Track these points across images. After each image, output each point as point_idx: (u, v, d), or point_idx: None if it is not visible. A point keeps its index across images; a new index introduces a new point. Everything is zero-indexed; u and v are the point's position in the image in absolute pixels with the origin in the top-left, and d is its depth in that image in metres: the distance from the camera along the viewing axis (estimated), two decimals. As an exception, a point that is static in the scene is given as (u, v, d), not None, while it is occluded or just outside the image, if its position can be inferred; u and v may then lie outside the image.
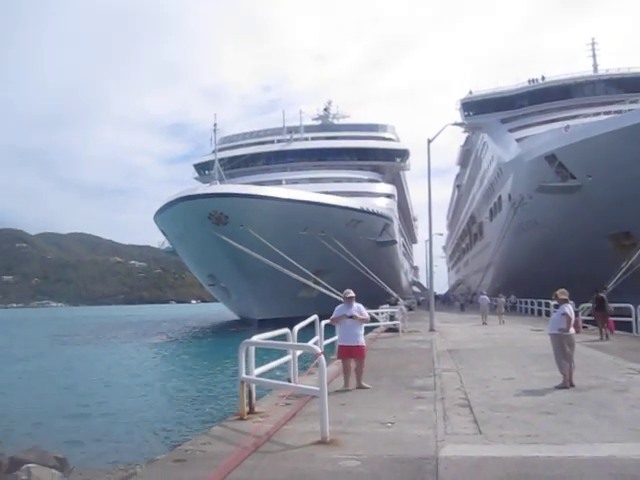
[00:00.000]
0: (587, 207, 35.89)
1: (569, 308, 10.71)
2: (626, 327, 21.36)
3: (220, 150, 59.11)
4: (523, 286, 44.14)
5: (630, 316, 20.92)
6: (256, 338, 9.18)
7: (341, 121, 79.64)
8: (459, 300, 60.03)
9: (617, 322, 21.70)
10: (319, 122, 78.98)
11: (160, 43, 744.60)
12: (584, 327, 20.95)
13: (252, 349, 8.80)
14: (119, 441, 13.28)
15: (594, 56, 61.47)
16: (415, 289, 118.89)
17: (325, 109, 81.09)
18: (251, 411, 8.75)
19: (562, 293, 10.98)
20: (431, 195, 28.71)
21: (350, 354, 10.85)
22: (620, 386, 10.23)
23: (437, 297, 77.65)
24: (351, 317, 10.85)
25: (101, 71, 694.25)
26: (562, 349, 10.52)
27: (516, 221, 46.61)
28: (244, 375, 8.55)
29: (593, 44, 62.17)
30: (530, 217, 43.61)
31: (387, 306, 32.44)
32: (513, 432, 7.17)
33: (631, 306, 21.01)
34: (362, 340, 11.03)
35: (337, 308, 11.32)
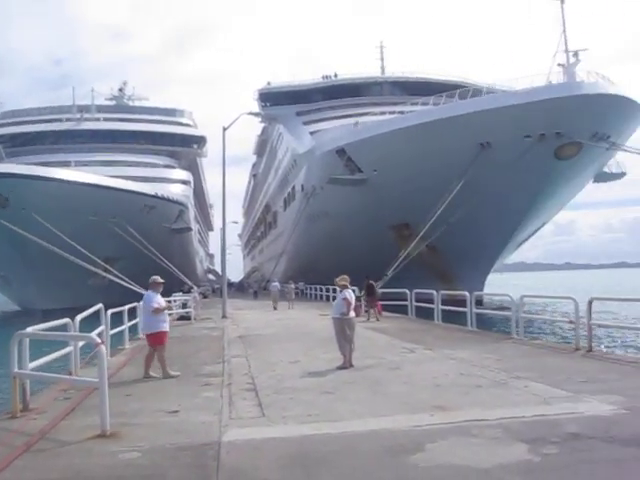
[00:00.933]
0: (372, 199, 38.37)
1: (349, 293, 11.34)
2: (403, 310, 23.15)
3: (0, 126, 53.93)
4: (314, 273, 45.92)
5: (407, 300, 22.73)
6: (32, 329, 8.53)
7: (137, 103, 76.68)
8: (252, 287, 60.95)
9: (396, 305, 23.74)
10: (113, 103, 75.29)
11: None
12: (366, 311, 22.40)
13: (26, 341, 8.16)
14: None
15: (382, 59, 65.71)
16: (211, 277, 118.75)
17: (120, 90, 77.44)
18: (25, 408, 8.10)
19: (342, 279, 11.62)
20: (225, 183, 28.74)
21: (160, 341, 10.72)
22: (394, 364, 11.07)
23: (232, 284, 78.42)
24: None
25: None
26: (343, 332, 11.14)
27: (308, 211, 48.36)
28: (16, 370, 7.89)
29: (382, 47, 66.41)
30: (321, 207, 45.50)
31: (180, 294, 32.01)
32: (295, 413, 7.42)
33: (407, 291, 22.86)
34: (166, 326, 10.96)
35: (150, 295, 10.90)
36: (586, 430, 6.18)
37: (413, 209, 34.05)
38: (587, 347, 11.90)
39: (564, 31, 30.74)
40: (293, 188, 57.12)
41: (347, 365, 10.87)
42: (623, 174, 42.90)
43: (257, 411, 7.65)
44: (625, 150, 32.76)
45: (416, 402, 7.74)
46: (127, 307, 16.13)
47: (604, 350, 13.83)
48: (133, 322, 16.86)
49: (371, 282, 22.58)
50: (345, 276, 11.70)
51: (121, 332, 15.40)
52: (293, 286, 36.22)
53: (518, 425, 6.47)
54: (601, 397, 7.63)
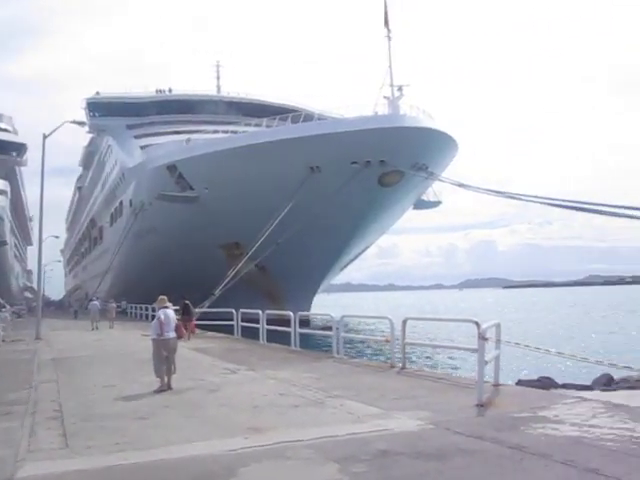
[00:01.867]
0: (203, 217, 37.85)
1: (165, 313, 10.96)
2: (230, 330, 22.93)
3: None
4: (141, 291, 44.27)
5: (233, 320, 22.57)
6: None
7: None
8: (73, 306, 57.49)
9: (223, 325, 23.58)
10: None
11: None
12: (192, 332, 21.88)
13: None
14: None
15: (218, 77, 65.48)
16: (28, 295, 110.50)
17: None
18: None
19: (161, 300, 11.31)
20: (43, 194, 26.91)
21: None
22: (214, 386, 10.86)
23: (52, 303, 73.53)
24: None
25: None
26: (159, 353, 10.74)
27: (136, 227, 46.64)
28: None
29: (218, 67, 66.23)
30: (149, 224, 44.06)
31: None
32: (102, 442, 6.95)
33: (233, 310, 22.71)
34: None
35: None
36: (394, 446, 6.40)
37: (244, 228, 34.05)
38: (401, 365, 12.47)
39: (390, 66, 32.52)
40: (121, 203, 54.82)
41: (165, 388, 10.47)
42: (439, 202, 46.42)
43: (60, 441, 7.09)
44: (441, 180, 35.18)
45: (232, 425, 7.60)
46: None
47: (415, 368, 14.56)
48: None
49: (186, 302, 22.49)
50: (164, 296, 11.39)
51: None
52: (114, 305, 34.79)
53: (331, 444, 6.55)
54: (410, 413, 7.97)
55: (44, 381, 12.24)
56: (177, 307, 17.18)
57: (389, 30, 32.80)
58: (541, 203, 21.17)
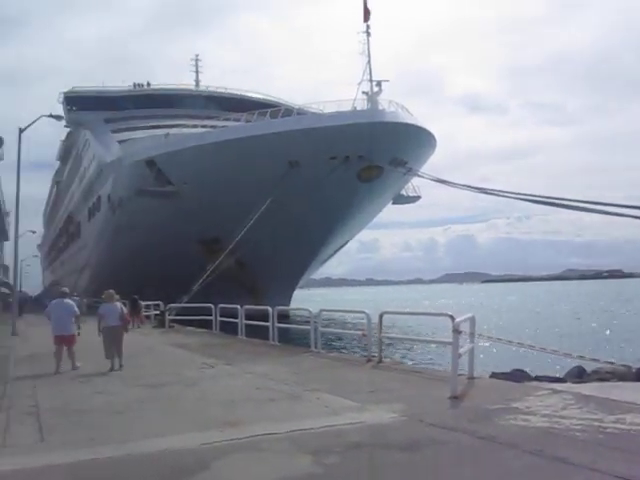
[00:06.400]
0: (182, 213, 37.66)
1: (103, 308, 13.44)
2: (209, 325, 22.93)
3: None
4: (119, 287, 43.93)
5: (211, 315, 22.59)
6: None
7: None
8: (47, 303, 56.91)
9: (201, 320, 23.84)
10: None
11: None
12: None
13: None
14: None
15: (197, 72, 65.13)
16: (4, 290, 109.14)
17: None
18: None
19: (106, 295, 13.61)
20: (19, 189, 26.64)
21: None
22: (191, 380, 10.88)
23: (29, 299, 72.55)
24: None
25: None
26: (106, 339, 13.05)
27: (114, 222, 46.33)
28: None
29: (197, 61, 65.83)
30: (128, 219, 43.74)
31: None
32: (78, 437, 6.96)
33: (212, 306, 22.71)
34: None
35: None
36: (367, 438, 6.51)
37: (223, 224, 33.98)
38: (378, 359, 12.58)
39: (369, 62, 32.60)
40: (99, 198, 54.30)
41: (116, 368, 12.68)
42: (418, 197, 46.65)
43: (36, 436, 7.09)
44: (420, 176, 35.33)
45: (207, 419, 7.64)
46: None
47: (392, 361, 14.68)
48: None
49: (134, 297, 26.25)
50: (111, 291, 13.73)
51: None
52: (85, 300, 35.33)
53: (306, 437, 6.62)
54: (385, 406, 8.06)
55: (20, 377, 12.14)
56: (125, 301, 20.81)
57: (368, 26, 32.89)
58: (520, 199, 21.30)
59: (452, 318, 9.32)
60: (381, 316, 12.44)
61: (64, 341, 12.92)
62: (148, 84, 59.62)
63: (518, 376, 12.21)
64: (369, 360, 12.73)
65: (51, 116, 27.30)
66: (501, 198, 22.42)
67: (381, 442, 6.35)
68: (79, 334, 13.23)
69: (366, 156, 32.73)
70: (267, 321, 17.65)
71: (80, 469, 5.75)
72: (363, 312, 13.53)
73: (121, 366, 12.75)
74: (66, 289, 14.78)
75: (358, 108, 34.14)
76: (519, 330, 31.84)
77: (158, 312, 27.59)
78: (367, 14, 32.80)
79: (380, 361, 12.51)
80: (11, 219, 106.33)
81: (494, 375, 12.52)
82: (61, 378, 11.86)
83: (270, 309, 17.46)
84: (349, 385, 9.94)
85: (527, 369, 14.09)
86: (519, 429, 6.65)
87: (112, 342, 12.84)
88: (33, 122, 26.91)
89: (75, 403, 9.14)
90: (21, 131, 26.68)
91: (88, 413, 8.30)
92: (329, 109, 35.90)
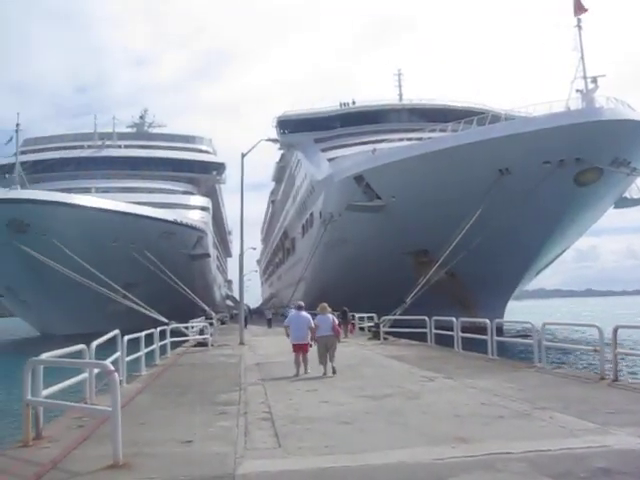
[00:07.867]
0: (391, 226, 38.17)
1: (317, 319, 14.50)
2: (423, 337, 22.76)
3: (23, 153, 54.76)
4: (332, 300, 45.49)
5: (426, 327, 22.40)
6: (46, 356, 8.42)
7: (157, 130, 77.75)
8: (266, 315, 60.58)
9: (415, 333, 23.67)
10: (134, 130, 76.43)
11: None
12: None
13: (40, 368, 8.06)
14: None
15: (400, 86, 65.97)
16: (229, 303, 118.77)
17: (141, 117, 78.90)
18: (38, 436, 7.96)
19: (320, 307, 14.74)
20: (243, 209, 28.85)
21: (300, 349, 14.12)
22: (413, 394, 10.80)
23: (252, 311, 78.23)
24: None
25: None
26: (320, 348, 14.01)
27: (326, 238, 48.19)
28: (29, 397, 7.78)
29: (399, 75, 66.71)
30: (339, 234, 45.32)
31: (200, 320, 32.00)
32: (312, 444, 7.19)
33: (426, 318, 22.50)
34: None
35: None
36: (616, 465, 5.91)
37: (432, 235, 33.81)
38: (612, 377, 11.55)
39: (582, 57, 30.64)
40: (311, 215, 57.10)
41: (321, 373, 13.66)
42: (644, 200, 42.46)
43: (273, 442, 7.43)
44: (646, 176, 32.37)
45: (436, 433, 7.48)
46: (144, 333, 16.09)
47: (630, 380, 13.37)
48: (150, 348, 16.80)
49: (344, 309, 27.88)
50: (324, 304, 14.76)
51: (138, 359, 15.31)
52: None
53: (544, 459, 6.20)
54: (630, 430, 7.32)
55: (252, 383, 12.96)
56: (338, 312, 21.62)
57: (579, 20, 30.92)
58: None
59: None
60: (615, 330, 11.40)
61: (301, 349, 14.15)
62: (353, 102, 61.69)
63: None
64: (602, 378, 11.73)
65: (269, 140, 29.30)
66: None
67: (634, 471, 5.73)
68: (311, 346, 14.25)
69: (584, 158, 30.62)
70: (480, 334, 17.09)
71: (321, 476, 5.90)
72: (594, 325, 12.50)
73: (334, 372, 13.59)
74: (302, 303, 15.90)
75: (572, 108, 32.14)
76: None
77: (372, 324, 28.05)
78: (580, 8, 30.88)
79: (616, 379, 11.46)
80: (233, 237, 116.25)
81: None
82: (287, 386, 12.44)
83: (488, 322, 16.90)
84: (583, 404, 9.20)
85: None
86: None
87: (325, 350, 13.82)
88: (253, 147, 29.00)
89: (304, 410, 9.50)
90: (243, 156, 28.83)
91: (317, 421, 8.56)
92: (539, 112, 34.25)
